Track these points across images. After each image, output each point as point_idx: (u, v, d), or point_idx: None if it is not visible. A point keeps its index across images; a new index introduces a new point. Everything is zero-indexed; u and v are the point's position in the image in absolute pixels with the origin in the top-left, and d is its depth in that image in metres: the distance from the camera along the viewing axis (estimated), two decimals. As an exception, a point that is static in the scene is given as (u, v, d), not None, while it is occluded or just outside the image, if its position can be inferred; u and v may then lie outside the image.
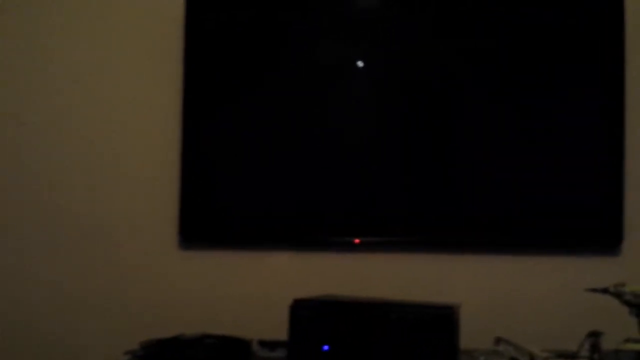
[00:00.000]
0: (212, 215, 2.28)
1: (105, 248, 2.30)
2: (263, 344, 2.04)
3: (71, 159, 2.32)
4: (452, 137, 2.26)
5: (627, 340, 1.89)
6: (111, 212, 2.31)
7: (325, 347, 1.89)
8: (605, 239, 2.23)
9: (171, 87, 2.29)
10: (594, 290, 1.95)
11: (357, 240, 2.25)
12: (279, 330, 1.95)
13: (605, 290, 1.93)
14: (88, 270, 2.30)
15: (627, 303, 1.91)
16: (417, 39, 2.28)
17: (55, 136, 2.33)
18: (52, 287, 2.29)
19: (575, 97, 2.24)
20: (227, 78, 2.29)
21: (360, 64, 2.30)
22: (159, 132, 2.31)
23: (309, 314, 1.90)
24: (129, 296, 2.29)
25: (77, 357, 2.26)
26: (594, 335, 1.87)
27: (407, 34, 2.28)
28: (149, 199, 2.31)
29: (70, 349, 2.27)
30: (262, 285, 2.27)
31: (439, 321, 1.86)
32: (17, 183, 2.33)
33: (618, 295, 1.92)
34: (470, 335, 2.01)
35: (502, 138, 2.24)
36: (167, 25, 2.32)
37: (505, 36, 2.25)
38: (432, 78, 2.28)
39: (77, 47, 2.34)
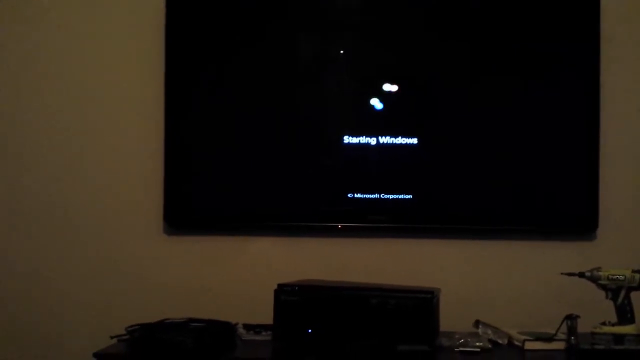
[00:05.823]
0: (196, 201, 2.29)
1: (92, 235, 2.31)
2: (248, 327, 2.07)
3: (58, 149, 2.32)
4: (430, 125, 2.29)
5: (603, 323, 1.94)
6: (97, 200, 2.31)
7: (309, 331, 1.92)
8: (581, 225, 2.27)
9: (155, 80, 2.29)
10: (571, 274, 2.00)
11: (339, 226, 2.28)
12: (263, 314, 1.99)
13: (581, 275, 1.98)
14: (75, 256, 2.30)
15: (603, 287, 1.96)
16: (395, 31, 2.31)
17: (42, 128, 2.32)
18: (38, 273, 2.30)
19: (554, 89, 2.27)
20: (208, 69, 2.30)
21: (340, 53, 2.32)
22: (143, 122, 2.32)
23: (293, 299, 1.94)
24: (115, 281, 2.29)
25: (64, 342, 2.27)
26: (571, 318, 1.92)
27: (385, 26, 2.31)
28: (134, 186, 2.31)
29: (57, 333, 2.28)
30: (246, 270, 2.29)
31: (420, 306, 1.91)
32: (0, 174, 2.33)
33: (594, 279, 1.97)
34: (450, 318, 2.06)
35: (481, 126, 2.27)
36: (149, 19, 2.31)
37: (483, 29, 2.29)
38: (409, 69, 2.30)
39: (61, 41, 2.33)
